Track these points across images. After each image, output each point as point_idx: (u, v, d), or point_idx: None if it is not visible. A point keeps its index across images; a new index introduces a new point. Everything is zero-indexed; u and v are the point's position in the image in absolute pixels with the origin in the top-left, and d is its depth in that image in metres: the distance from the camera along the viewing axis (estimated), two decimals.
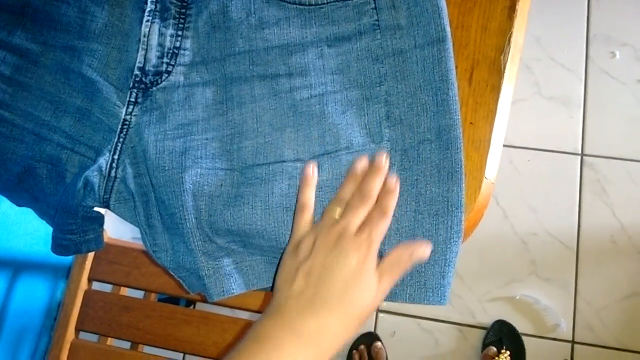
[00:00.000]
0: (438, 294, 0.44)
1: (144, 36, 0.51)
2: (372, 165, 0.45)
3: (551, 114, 1.32)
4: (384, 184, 0.45)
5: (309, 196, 0.45)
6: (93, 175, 0.49)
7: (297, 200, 0.46)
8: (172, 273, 0.49)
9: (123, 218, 0.49)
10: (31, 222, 1.14)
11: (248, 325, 0.79)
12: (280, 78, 0.49)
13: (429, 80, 0.47)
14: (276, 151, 0.48)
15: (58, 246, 0.53)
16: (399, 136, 0.47)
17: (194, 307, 1.10)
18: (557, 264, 1.25)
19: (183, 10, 0.52)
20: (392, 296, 0.45)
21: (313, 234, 0.43)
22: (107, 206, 0.50)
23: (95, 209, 0.51)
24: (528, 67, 1.35)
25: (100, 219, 0.53)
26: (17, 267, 1.12)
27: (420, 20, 0.48)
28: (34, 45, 0.53)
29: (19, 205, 0.57)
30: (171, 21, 0.52)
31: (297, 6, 0.51)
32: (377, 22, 0.49)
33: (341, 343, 0.40)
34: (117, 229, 0.88)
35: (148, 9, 0.52)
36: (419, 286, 0.45)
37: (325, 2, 0.50)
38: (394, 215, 0.45)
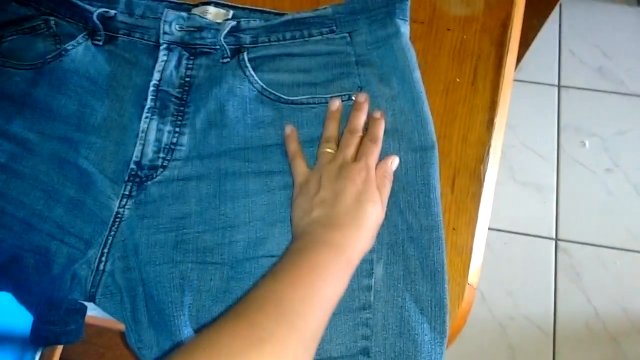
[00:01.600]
0: None
1: (142, 132, 0.53)
2: (355, 104, 0.52)
3: (525, 199, 1.37)
4: (371, 115, 0.52)
5: (297, 147, 0.51)
6: (82, 268, 0.49)
7: (287, 154, 0.52)
8: None
9: (108, 313, 0.49)
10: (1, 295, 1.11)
11: None
12: (275, 175, 0.51)
13: (411, 183, 0.49)
14: (266, 246, 0.49)
15: (37, 337, 0.52)
16: (384, 231, 0.48)
17: None
18: (535, 350, 1.25)
19: (181, 108, 0.55)
20: None
21: (316, 172, 0.49)
22: (92, 300, 0.49)
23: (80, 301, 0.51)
24: (502, 152, 1.40)
25: (83, 310, 0.52)
26: None
27: (403, 128, 0.51)
28: (31, 135, 0.54)
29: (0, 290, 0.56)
30: (169, 118, 0.54)
31: (290, 105, 0.54)
32: (364, 125, 0.52)
33: (362, 254, 0.45)
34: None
35: (148, 105, 0.54)
36: None
37: (317, 102, 0.53)
38: (380, 311, 0.46)
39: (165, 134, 0.54)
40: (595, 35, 1.52)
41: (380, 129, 0.51)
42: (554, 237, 1.34)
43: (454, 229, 0.49)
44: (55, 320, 0.51)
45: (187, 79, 0.55)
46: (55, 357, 0.84)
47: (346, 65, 0.54)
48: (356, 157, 0.49)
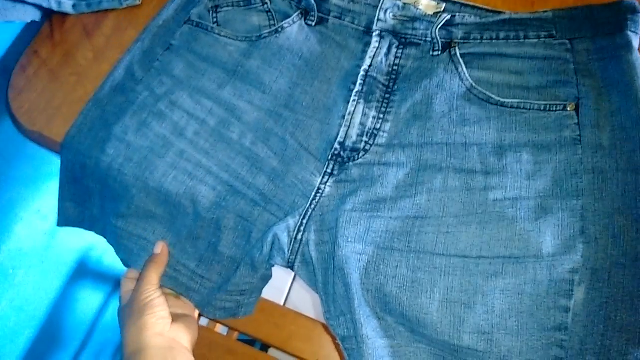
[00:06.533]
0: None
1: (349, 114, 0.55)
2: None
3: None
4: None
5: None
6: (282, 235, 0.51)
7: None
8: (340, 342, 0.50)
9: (304, 280, 0.51)
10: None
11: None
12: (476, 175, 0.51)
13: (629, 206, 0.47)
14: (458, 245, 0.49)
15: (220, 309, 0.54)
16: (592, 254, 0.47)
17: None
18: None
19: (387, 96, 0.55)
20: None
21: None
22: (292, 267, 0.52)
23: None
24: None
25: (268, 279, 0.55)
26: (118, 282, 1.16)
27: (624, 146, 0.48)
28: (240, 103, 0.57)
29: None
30: (374, 104, 0.55)
31: (499, 107, 0.53)
32: (578, 138, 0.50)
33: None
34: None
35: (356, 89, 0.55)
36: None
37: (528, 108, 0.52)
38: (578, 335, 0.45)
39: (370, 119, 0.55)
40: None
41: None
42: None
43: None
44: (245, 290, 0.53)
45: (395, 68, 0.56)
46: None
47: (564, 73, 0.52)
48: None
